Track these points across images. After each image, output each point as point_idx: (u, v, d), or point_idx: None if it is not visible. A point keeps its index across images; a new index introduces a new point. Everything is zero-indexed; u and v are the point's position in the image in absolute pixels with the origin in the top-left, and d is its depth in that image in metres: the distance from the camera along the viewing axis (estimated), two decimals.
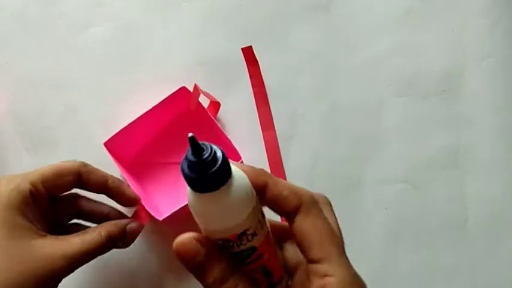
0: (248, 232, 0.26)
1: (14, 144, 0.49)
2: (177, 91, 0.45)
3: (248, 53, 0.48)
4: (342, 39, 0.49)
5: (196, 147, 0.25)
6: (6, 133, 0.49)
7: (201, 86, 0.48)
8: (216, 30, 0.50)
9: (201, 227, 0.27)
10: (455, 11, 0.49)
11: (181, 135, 0.47)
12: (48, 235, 0.35)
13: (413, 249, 0.46)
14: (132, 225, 0.40)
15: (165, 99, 0.44)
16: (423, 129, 0.48)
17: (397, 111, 0.48)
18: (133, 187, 0.43)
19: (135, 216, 0.42)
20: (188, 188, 0.25)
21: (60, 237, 0.36)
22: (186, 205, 0.41)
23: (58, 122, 0.49)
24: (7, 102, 0.49)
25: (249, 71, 0.49)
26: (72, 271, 0.35)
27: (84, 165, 0.39)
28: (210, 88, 0.48)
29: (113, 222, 0.39)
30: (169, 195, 0.46)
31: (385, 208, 0.47)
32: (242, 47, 0.48)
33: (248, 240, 0.26)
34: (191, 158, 0.24)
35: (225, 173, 0.25)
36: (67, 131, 0.49)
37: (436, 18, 0.49)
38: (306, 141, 0.48)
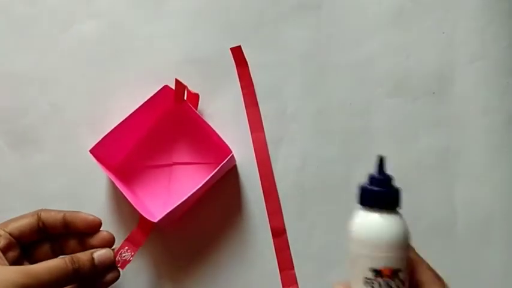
0: (400, 274, 0.25)
1: None
2: (159, 90, 0.44)
3: (237, 53, 0.48)
4: (332, 39, 0.49)
5: (383, 165, 0.25)
6: None
7: (189, 86, 0.47)
8: (204, 29, 0.49)
9: (361, 252, 0.26)
10: (446, 13, 0.48)
11: (168, 135, 0.47)
12: (11, 266, 0.35)
13: None
14: (100, 252, 0.39)
15: (148, 99, 0.44)
16: (413, 131, 0.48)
17: (387, 112, 0.48)
18: (124, 192, 0.42)
19: (129, 239, 0.42)
20: (359, 211, 0.25)
21: (26, 266, 0.35)
22: (179, 206, 0.41)
23: (42, 120, 0.48)
24: None
25: (237, 72, 0.48)
26: None
27: (37, 215, 0.40)
28: (198, 88, 0.48)
29: (84, 252, 0.39)
30: (160, 197, 0.46)
31: None
32: (231, 47, 0.48)
33: (396, 283, 0.25)
34: (378, 175, 0.27)
35: (400, 195, 0.26)
36: (51, 130, 0.48)
37: (427, 20, 0.49)
38: (295, 142, 0.48)
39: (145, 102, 0.44)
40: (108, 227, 0.43)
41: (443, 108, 0.48)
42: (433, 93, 0.48)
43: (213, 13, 0.49)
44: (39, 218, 0.39)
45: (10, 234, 0.38)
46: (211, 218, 0.47)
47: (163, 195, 0.46)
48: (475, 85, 0.48)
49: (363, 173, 0.47)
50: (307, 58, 0.49)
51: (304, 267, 0.46)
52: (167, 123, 0.47)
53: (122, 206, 0.47)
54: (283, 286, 0.45)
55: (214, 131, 0.43)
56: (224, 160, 0.42)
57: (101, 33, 0.49)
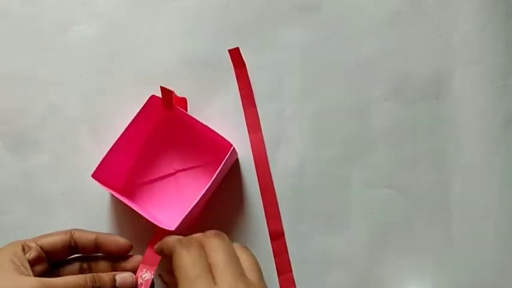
0: None
1: None
2: (147, 101, 0.44)
3: (235, 55, 0.48)
4: (331, 41, 0.49)
5: None
6: None
7: (187, 87, 0.47)
8: (202, 30, 0.49)
9: None
10: (443, 16, 0.49)
11: (165, 144, 0.47)
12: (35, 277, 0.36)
13: (398, 253, 0.46)
14: (123, 275, 0.39)
15: (138, 113, 0.43)
16: (410, 133, 0.48)
17: (385, 115, 0.48)
18: (135, 209, 0.42)
19: (145, 260, 0.42)
20: None
21: (46, 278, 0.35)
22: (192, 211, 0.41)
23: (41, 121, 0.48)
24: None
25: (235, 73, 0.48)
26: None
27: (70, 233, 0.40)
28: (196, 89, 0.48)
29: (107, 272, 0.39)
30: (170, 207, 0.46)
31: (372, 213, 0.47)
32: (229, 48, 0.48)
33: None
34: None
35: None
36: (50, 131, 0.48)
37: (424, 23, 0.49)
38: (293, 143, 0.48)
39: (135, 116, 0.43)
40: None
41: (440, 111, 0.48)
42: (430, 95, 0.48)
43: (211, 14, 0.49)
44: (71, 237, 0.39)
45: (41, 247, 0.38)
46: (213, 221, 0.47)
47: (174, 204, 0.46)
48: (472, 87, 0.49)
49: (361, 174, 0.47)
50: (305, 60, 0.49)
51: (302, 269, 0.46)
52: (162, 132, 0.47)
53: (123, 218, 0.47)
54: None
55: (210, 129, 0.43)
56: (227, 154, 0.42)
57: (100, 34, 0.49)
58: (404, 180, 0.47)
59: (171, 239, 0.36)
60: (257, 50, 0.49)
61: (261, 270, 0.34)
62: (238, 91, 0.48)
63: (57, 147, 0.48)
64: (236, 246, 0.36)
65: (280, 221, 0.46)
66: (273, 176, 0.47)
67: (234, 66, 0.48)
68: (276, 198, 0.47)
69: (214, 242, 0.34)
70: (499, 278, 0.46)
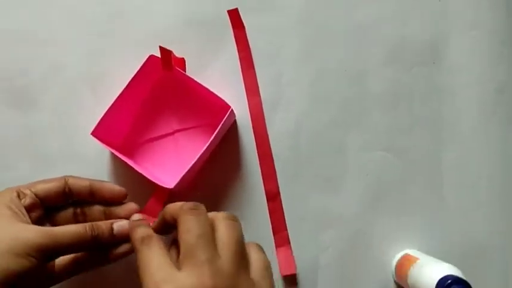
0: None
1: None
2: (146, 61, 0.44)
3: (234, 16, 0.48)
4: (329, 4, 0.49)
5: None
6: None
7: (186, 48, 0.47)
8: None
9: None
10: None
11: (164, 104, 0.47)
12: (33, 225, 0.36)
13: (391, 214, 0.47)
14: (120, 223, 0.39)
15: (137, 72, 0.43)
16: (406, 98, 0.48)
17: (382, 79, 0.48)
18: (135, 167, 0.42)
19: (146, 210, 0.43)
20: None
21: (47, 227, 0.36)
22: (190, 169, 0.41)
23: (42, 79, 0.48)
24: None
25: (234, 35, 0.48)
26: (51, 257, 0.35)
27: (65, 180, 0.40)
28: (195, 50, 0.48)
29: (104, 221, 0.39)
30: (170, 166, 0.46)
31: (367, 175, 0.48)
32: (228, 9, 0.48)
33: None
34: None
35: None
36: (51, 89, 0.48)
37: None
38: (290, 106, 0.48)
39: (134, 75, 0.43)
40: None
41: (437, 76, 0.49)
42: (427, 61, 0.49)
43: None
44: (66, 183, 0.40)
45: (36, 194, 0.38)
46: (211, 182, 0.47)
47: (172, 163, 0.47)
48: (470, 54, 0.49)
49: (357, 138, 0.48)
50: (304, 23, 0.49)
51: (297, 228, 0.47)
52: (161, 92, 0.47)
53: (123, 176, 0.47)
54: (276, 246, 0.46)
55: (209, 90, 0.43)
56: (225, 115, 0.42)
57: None
58: (400, 144, 0.48)
59: (134, 237, 0.35)
60: (256, 12, 0.48)
61: (237, 246, 0.32)
62: (237, 53, 0.48)
63: (58, 106, 0.48)
64: (216, 217, 0.34)
65: (277, 181, 0.47)
66: (270, 137, 0.48)
67: (233, 28, 0.48)
68: (272, 159, 0.47)
69: (187, 219, 0.32)
70: (488, 240, 0.47)
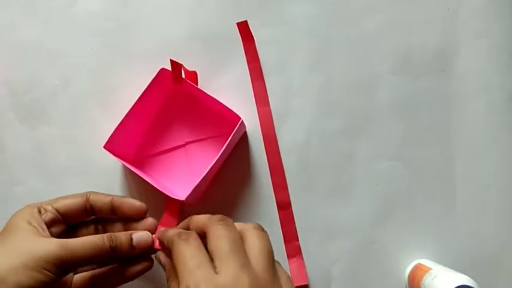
0: None
1: (6, 115, 0.48)
2: (157, 74, 0.44)
3: (243, 28, 0.48)
4: (337, 14, 0.49)
5: None
6: None
7: (195, 60, 0.48)
8: (211, 3, 0.49)
9: None
10: None
11: (175, 117, 0.48)
12: (51, 238, 0.36)
13: (402, 225, 0.47)
14: (139, 234, 0.39)
15: (148, 86, 0.44)
16: (415, 107, 0.48)
17: (391, 88, 0.49)
18: (146, 179, 0.43)
19: (162, 222, 0.43)
20: None
21: (64, 239, 0.36)
22: (202, 181, 0.41)
23: (50, 93, 0.49)
24: (0, 73, 0.49)
25: (243, 46, 0.49)
26: (68, 269, 0.35)
27: (86, 196, 0.40)
28: (205, 63, 0.48)
29: (123, 232, 0.39)
30: (181, 178, 0.47)
31: (377, 184, 0.48)
32: (237, 21, 0.48)
33: None
34: None
35: None
36: (60, 103, 0.48)
37: None
38: (300, 116, 0.48)
39: (145, 89, 0.44)
40: None
41: (446, 85, 0.49)
42: (437, 69, 0.49)
43: None
44: (87, 200, 0.40)
45: (57, 210, 0.38)
46: (222, 193, 0.47)
47: (184, 175, 0.47)
48: (478, 62, 0.49)
49: (366, 147, 0.48)
50: (312, 34, 0.49)
51: (309, 239, 0.47)
52: (171, 105, 0.48)
53: (134, 188, 0.47)
54: (288, 257, 0.46)
55: (219, 102, 0.43)
56: (235, 127, 0.42)
57: (109, 6, 0.49)
58: (409, 153, 0.48)
59: (170, 232, 0.35)
60: (265, 24, 0.49)
61: (270, 256, 0.32)
62: (246, 65, 0.48)
63: (68, 119, 0.48)
64: (247, 227, 0.34)
65: (287, 191, 0.47)
66: (280, 148, 0.48)
67: (243, 40, 0.48)
68: (283, 169, 0.48)
69: (218, 228, 0.32)
70: (500, 250, 0.47)
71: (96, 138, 0.46)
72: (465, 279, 0.39)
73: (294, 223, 0.47)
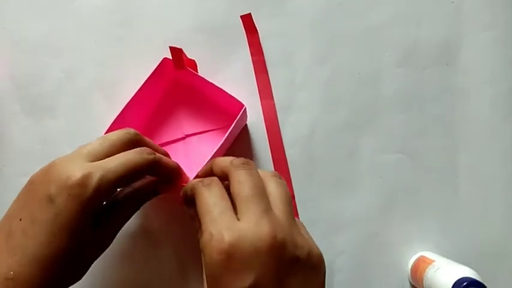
0: None
1: (12, 108, 0.49)
2: (159, 64, 0.44)
3: (247, 21, 0.48)
4: (342, 7, 0.49)
5: None
6: (5, 97, 0.49)
7: (199, 53, 0.48)
8: None
9: None
10: None
11: (175, 108, 0.47)
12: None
13: (406, 217, 0.47)
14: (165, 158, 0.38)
15: (151, 74, 0.44)
16: (420, 99, 0.48)
17: (395, 81, 0.49)
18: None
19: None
20: None
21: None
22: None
23: (56, 87, 0.49)
24: (5, 67, 0.49)
25: (248, 39, 0.49)
26: (110, 184, 0.33)
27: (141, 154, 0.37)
28: (208, 55, 0.48)
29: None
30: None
31: (380, 177, 0.48)
32: (241, 14, 0.48)
33: None
34: None
35: None
36: (65, 96, 0.49)
37: None
38: (304, 109, 0.48)
39: (147, 79, 0.44)
40: None
41: (451, 77, 0.49)
42: (441, 62, 0.49)
43: None
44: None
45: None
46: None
47: (183, 168, 0.47)
48: (483, 55, 0.49)
49: (370, 140, 0.48)
50: (316, 26, 0.49)
51: (312, 231, 0.47)
52: (173, 96, 0.48)
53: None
54: None
55: (220, 89, 0.43)
56: (238, 114, 0.42)
57: (113, 1, 0.49)
58: (413, 145, 0.48)
59: (193, 181, 0.35)
60: (269, 17, 0.49)
61: (289, 202, 0.33)
62: (250, 57, 0.49)
63: (73, 112, 0.49)
64: (265, 174, 0.34)
65: (291, 185, 0.47)
66: (283, 141, 0.48)
67: (246, 33, 0.49)
68: (286, 163, 0.48)
69: (240, 173, 0.33)
70: (503, 242, 0.47)
71: (101, 131, 0.46)
72: (468, 271, 0.39)
73: (298, 215, 0.47)
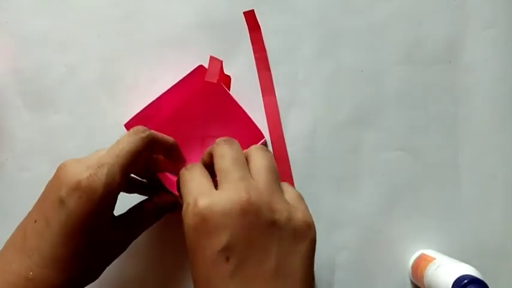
0: None
1: (14, 103, 0.49)
2: (194, 70, 0.44)
3: (250, 17, 0.48)
4: (345, 4, 0.49)
5: None
6: (7, 92, 0.49)
7: (202, 49, 0.48)
8: None
9: None
10: None
11: (198, 112, 0.46)
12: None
13: (407, 215, 0.47)
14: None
15: (183, 78, 0.44)
16: (422, 97, 0.48)
17: (397, 79, 0.48)
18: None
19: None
20: None
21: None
22: None
23: (58, 81, 0.49)
24: (8, 61, 0.49)
25: (250, 36, 0.49)
26: (119, 176, 0.34)
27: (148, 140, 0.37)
28: (211, 52, 0.48)
29: None
30: None
31: (382, 175, 0.48)
32: (244, 10, 0.48)
33: None
34: None
35: None
36: (67, 91, 0.49)
37: None
38: (306, 106, 0.48)
39: (180, 80, 0.44)
40: None
41: (453, 75, 0.48)
42: (443, 60, 0.49)
43: None
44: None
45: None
46: None
47: None
48: (485, 53, 0.49)
49: (372, 137, 0.48)
50: (319, 23, 0.49)
51: None
52: (199, 101, 0.46)
53: None
54: None
55: (246, 114, 0.43)
56: (256, 143, 0.41)
57: None
58: (415, 143, 0.48)
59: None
60: (271, 14, 0.49)
61: (272, 171, 0.33)
62: (252, 54, 0.49)
63: (75, 107, 0.49)
64: (250, 149, 0.35)
65: (293, 181, 0.47)
66: (285, 137, 0.48)
67: (249, 29, 0.49)
68: (288, 159, 0.48)
69: (221, 148, 0.33)
70: (505, 240, 0.47)
71: (104, 126, 0.47)
72: (469, 269, 0.39)
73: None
